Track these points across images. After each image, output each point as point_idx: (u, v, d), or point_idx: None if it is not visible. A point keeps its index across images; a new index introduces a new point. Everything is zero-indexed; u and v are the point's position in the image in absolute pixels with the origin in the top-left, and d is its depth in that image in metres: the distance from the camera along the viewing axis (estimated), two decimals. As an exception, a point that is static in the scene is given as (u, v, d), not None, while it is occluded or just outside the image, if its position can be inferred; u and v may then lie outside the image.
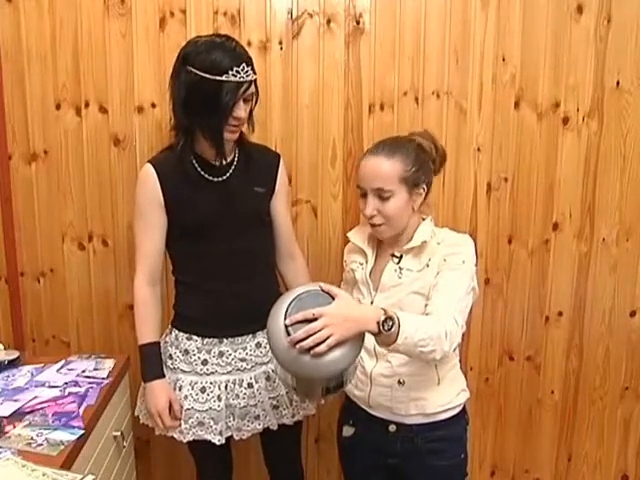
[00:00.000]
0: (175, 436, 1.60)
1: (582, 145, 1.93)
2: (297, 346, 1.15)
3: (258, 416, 1.62)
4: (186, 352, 1.61)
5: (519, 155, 1.94)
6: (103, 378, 1.70)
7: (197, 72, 1.43)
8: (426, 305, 1.37)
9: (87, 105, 1.86)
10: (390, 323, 1.19)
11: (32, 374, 1.71)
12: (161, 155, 1.61)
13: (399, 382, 1.45)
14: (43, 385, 1.64)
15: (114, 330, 2.02)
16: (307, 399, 1.35)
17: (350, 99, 1.89)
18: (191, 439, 1.59)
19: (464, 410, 1.53)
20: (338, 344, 1.15)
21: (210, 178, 1.57)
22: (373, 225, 1.43)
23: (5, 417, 1.45)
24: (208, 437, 1.58)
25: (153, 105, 1.86)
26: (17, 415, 1.47)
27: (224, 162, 1.57)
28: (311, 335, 1.15)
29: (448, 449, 1.48)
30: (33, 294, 1.99)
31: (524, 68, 1.88)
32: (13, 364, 1.77)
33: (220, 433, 1.58)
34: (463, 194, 1.95)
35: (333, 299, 1.21)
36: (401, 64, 1.87)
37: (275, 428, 1.64)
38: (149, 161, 1.58)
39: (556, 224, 1.98)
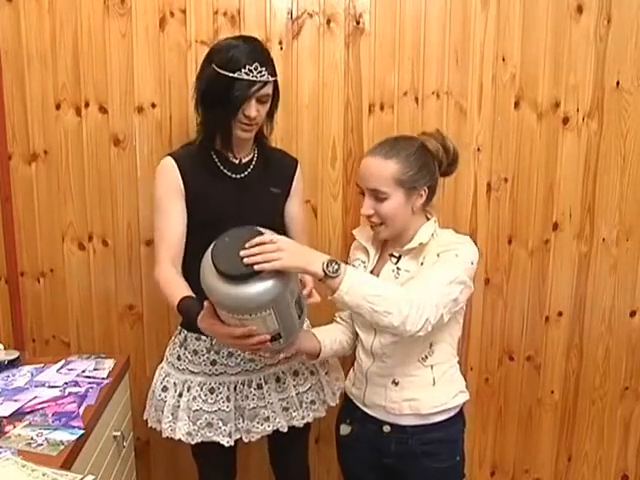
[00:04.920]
0: (183, 438, 1.55)
1: (582, 145, 1.93)
2: (246, 260, 1.18)
3: (268, 418, 1.59)
4: (195, 352, 1.59)
5: (519, 155, 1.94)
6: (103, 378, 1.69)
7: (215, 68, 1.47)
8: None
9: (87, 105, 1.86)
10: (335, 267, 1.22)
11: (32, 374, 1.71)
12: (181, 150, 1.64)
13: (393, 382, 1.45)
14: (43, 385, 1.64)
15: (114, 330, 2.02)
16: (292, 334, 1.30)
17: (350, 99, 1.89)
18: (199, 441, 1.55)
19: (461, 412, 1.52)
20: (272, 274, 1.20)
21: (229, 174, 1.58)
22: (372, 225, 1.43)
23: (5, 417, 1.45)
24: (217, 439, 1.54)
25: (153, 105, 1.86)
26: (17, 415, 1.46)
27: (242, 161, 1.59)
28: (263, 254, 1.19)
29: (443, 451, 1.47)
30: (33, 294, 1.99)
31: (524, 68, 1.88)
32: (13, 364, 1.76)
33: (229, 435, 1.55)
34: (463, 194, 1.96)
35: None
36: (401, 64, 1.87)
37: (285, 430, 1.60)
38: (169, 154, 1.59)
39: (556, 224, 1.98)
